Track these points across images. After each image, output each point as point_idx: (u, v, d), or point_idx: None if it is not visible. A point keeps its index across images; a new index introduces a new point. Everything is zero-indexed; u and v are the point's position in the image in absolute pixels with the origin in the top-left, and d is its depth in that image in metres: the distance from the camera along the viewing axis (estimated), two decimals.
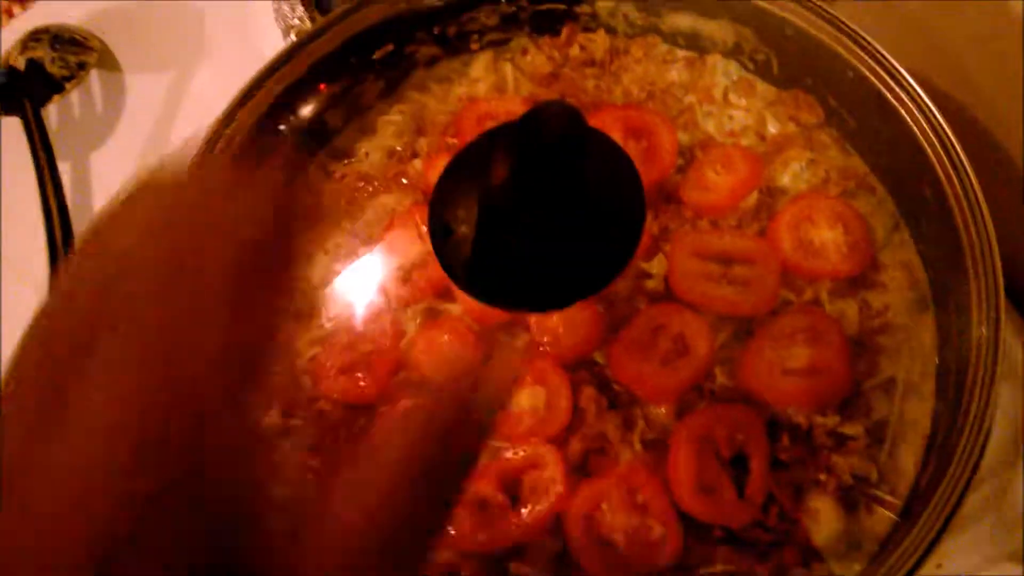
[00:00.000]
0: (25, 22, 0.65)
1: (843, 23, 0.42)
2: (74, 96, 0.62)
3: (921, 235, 0.41)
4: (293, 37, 0.61)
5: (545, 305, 0.34)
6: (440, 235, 0.34)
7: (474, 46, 0.50)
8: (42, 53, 0.59)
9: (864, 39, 0.41)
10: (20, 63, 0.58)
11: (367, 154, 0.48)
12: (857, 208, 0.43)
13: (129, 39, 0.65)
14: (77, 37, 0.61)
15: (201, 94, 0.62)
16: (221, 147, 0.45)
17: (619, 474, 0.37)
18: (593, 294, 0.32)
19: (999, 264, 0.37)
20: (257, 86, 0.46)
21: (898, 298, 0.41)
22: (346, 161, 0.49)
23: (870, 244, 0.42)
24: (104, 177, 0.60)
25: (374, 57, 0.49)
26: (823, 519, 0.36)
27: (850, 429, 0.38)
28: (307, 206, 0.23)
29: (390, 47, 0.49)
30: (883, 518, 0.37)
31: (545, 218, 0.31)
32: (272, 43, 0.62)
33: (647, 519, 0.36)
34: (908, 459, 0.38)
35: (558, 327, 0.40)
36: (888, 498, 0.37)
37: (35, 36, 0.60)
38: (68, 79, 0.59)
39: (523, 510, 0.37)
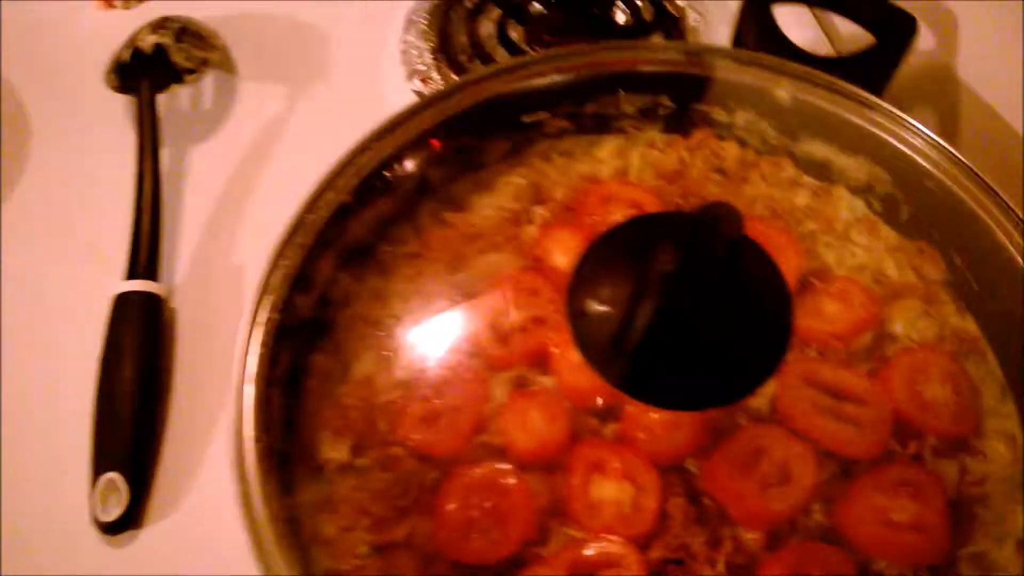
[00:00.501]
0: (154, 10, 0.66)
1: (989, 184, 0.42)
2: (185, 90, 0.63)
3: None
4: (417, 82, 0.62)
5: (684, 405, 0.33)
6: (579, 312, 0.33)
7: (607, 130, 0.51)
8: (169, 41, 0.59)
9: (1007, 204, 0.41)
10: (147, 45, 0.58)
11: (482, 210, 0.48)
12: (968, 371, 0.42)
13: (250, 46, 0.66)
14: (203, 33, 0.62)
15: (312, 115, 0.62)
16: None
17: None
18: (735, 401, 0.31)
19: None
20: (378, 137, 0.46)
21: (998, 470, 0.40)
22: (458, 213, 0.49)
23: (978, 409, 0.41)
24: (197, 175, 0.60)
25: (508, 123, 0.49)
26: None
27: None
28: None
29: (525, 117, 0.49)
30: None
31: (702, 317, 0.31)
32: (394, 82, 0.63)
33: None
34: None
35: (656, 425, 0.39)
36: None
37: (164, 23, 0.60)
38: (189, 72, 0.59)
39: None
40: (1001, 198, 0.41)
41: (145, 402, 0.48)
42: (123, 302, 0.51)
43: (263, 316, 0.40)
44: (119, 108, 0.61)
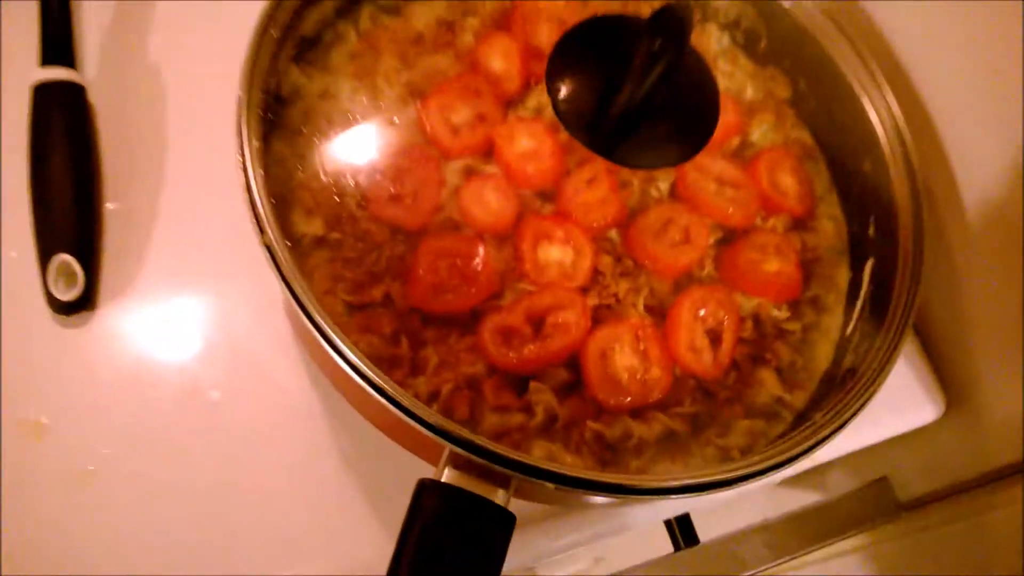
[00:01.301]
0: None
1: (833, 19, 0.53)
2: None
3: (850, 201, 0.54)
4: None
5: (647, 164, 0.42)
6: (561, 90, 0.40)
7: None
8: None
9: (849, 36, 0.53)
10: None
11: (421, 17, 0.52)
12: (806, 168, 0.55)
13: None
14: None
15: None
16: None
17: (631, 325, 0.45)
18: (682, 163, 0.40)
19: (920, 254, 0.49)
20: None
21: (825, 242, 0.53)
22: (396, 18, 0.52)
23: (813, 196, 0.54)
24: None
25: None
26: (765, 387, 0.47)
27: (790, 325, 0.49)
28: None
29: None
30: (800, 397, 0.49)
31: (662, 97, 0.39)
32: None
33: (647, 363, 0.45)
34: (822, 356, 0.50)
35: (587, 203, 0.48)
36: (805, 383, 0.49)
37: None
38: None
39: (548, 340, 0.44)
40: (844, 30, 0.53)
41: (82, 186, 0.49)
42: (43, 88, 0.49)
43: (254, 99, 0.42)
44: None
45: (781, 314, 0.49)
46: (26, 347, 0.47)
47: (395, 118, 0.49)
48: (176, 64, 0.55)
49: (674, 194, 0.50)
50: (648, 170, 0.46)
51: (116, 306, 0.49)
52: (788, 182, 0.53)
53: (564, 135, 0.46)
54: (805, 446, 0.41)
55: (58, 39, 0.50)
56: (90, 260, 0.48)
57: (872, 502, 0.61)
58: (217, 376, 0.49)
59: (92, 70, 0.53)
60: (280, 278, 0.38)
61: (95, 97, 0.53)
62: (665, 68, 0.38)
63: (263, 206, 0.39)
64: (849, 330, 0.49)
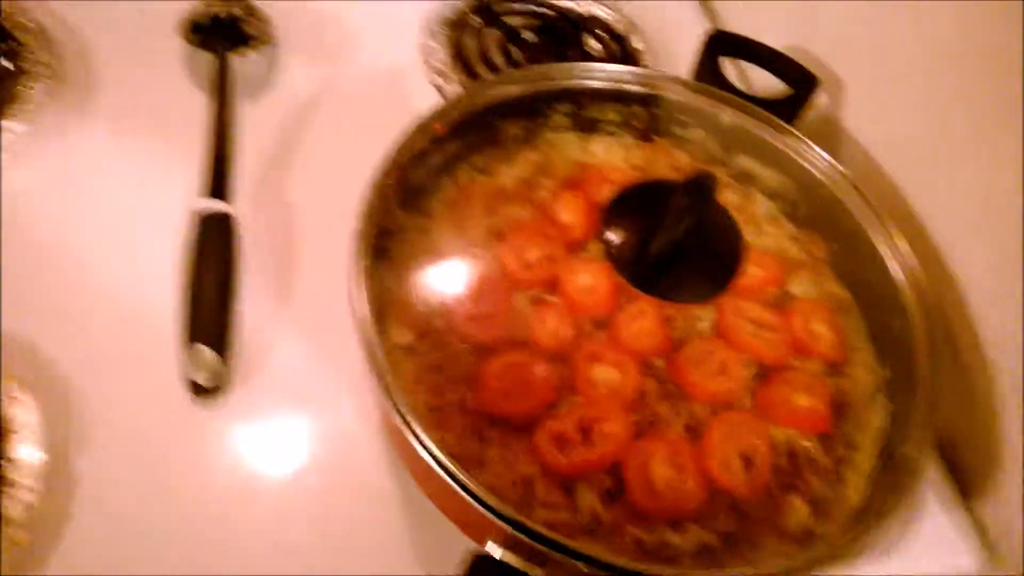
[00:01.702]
0: None
1: (862, 192, 0.61)
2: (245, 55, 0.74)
3: (882, 352, 0.60)
4: (436, 76, 0.76)
5: (679, 299, 0.50)
6: (608, 239, 0.50)
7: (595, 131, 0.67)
8: (241, 13, 0.71)
9: (874, 207, 0.61)
10: (224, 13, 0.70)
11: (507, 176, 0.63)
12: (840, 321, 0.61)
13: (294, 30, 0.78)
14: (260, 11, 0.74)
15: (343, 92, 0.76)
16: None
17: (669, 440, 0.51)
18: (711, 298, 0.48)
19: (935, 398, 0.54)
20: (429, 119, 0.60)
21: (859, 388, 0.58)
22: (486, 176, 0.63)
23: (846, 346, 0.60)
24: (247, 127, 0.71)
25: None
26: (796, 514, 0.52)
27: (821, 458, 0.54)
28: None
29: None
30: (831, 528, 0.52)
31: (694, 243, 0.47)
32: (413, 73, 0.77)
33: (683, 475, 0.51)
34: (854, 492, 0.54)
35: (636, 332, 0.55)
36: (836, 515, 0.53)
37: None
38: (255, 40, 0.71)
39: (594, 447, 0.51)
40: (869, 203, 0.61)
41: (225, 295, 0.60)
42: (206, 217, 0.62)
43: (365, 230, 0.53)
44: (179, 59, 0.72)
45: (811, 446, 0.54)
46: (166, 419, 0.57)
47: (478, 253, 0.59)
48: (308, 201, 0.67)
49: (715, 331, 0.57)
50: (680, 304, 0.54)
51: (243, 392, 0.59)
52: (821, 330, 0.59)
53: (618, 276, 0.55)
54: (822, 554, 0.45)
55: (219, 179, 0.63)
56: (225, 354, 0.58)
57: None
58: (315, 463, 0.57)
59: (242, 203, 0.66)
60: (374, 373, 0.47)
61: (243, 224, 0.65)
62: (693, 221, 0.47)
63: (366, 315, 0.49)
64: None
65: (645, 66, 0.82)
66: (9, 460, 0.52)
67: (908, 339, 0.56)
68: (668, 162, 0.67)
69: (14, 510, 0.51)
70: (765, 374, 0.56)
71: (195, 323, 0.57)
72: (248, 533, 0.55)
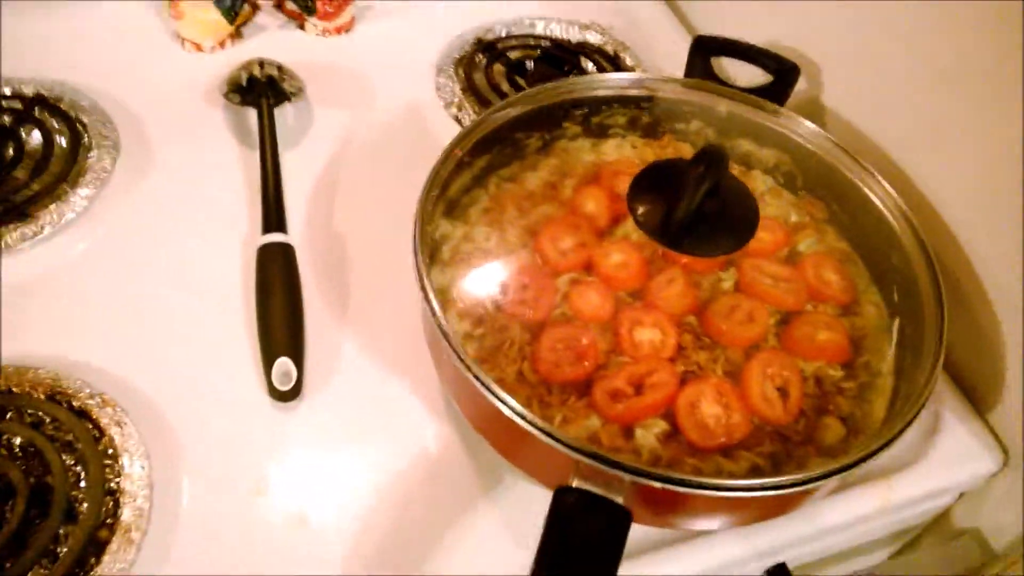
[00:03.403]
0: (236, 52, 0.86)
1: (852, 155, 0.69)
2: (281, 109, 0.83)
3: (885, 292, 0.66)
4: (453, 110, 0.84)
5: (707, 254, 0.57)
6: (639, 209, 0.57)
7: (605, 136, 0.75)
8: (275, 73, 0.79)
9: (865, 167, 0.68)
10: (261, 74, 0.79)
11: (532, 181, 0.70)
12: (847, 268, 0.68)
13: (318, 83, 0.87)
14: (291, 71, 0.82)
15: (371, 132, 0.84)
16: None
17: (712, 383, 0.58)
18: (732, 252, 0.56)
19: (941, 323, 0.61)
20: (461, 139, 0.68)
21: (871, 323, 0.65)
22: (514, 183, 0.71)
23: (855, 289, 0.66)
24: (289, 172, 0.79)
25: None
26: (832, 430, 0.58)
27: (846, 383, 0.60)
28: None
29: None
30: (864, 442, 0.58)
31: (713, 207, 0.55)
32: (432, 109, 0.85)
33: (729, 411, 0.57)
34: (879, 409, 0.60)
35: (669, 296, 0.62)
36: (866, 430, 0.59)
37: (264, 62, 0.81)
38: (294, 94, 0.80)
39: (647, 396, 0.57)
40: (860, 163, 0.68)
41: (293, 313, 0.67)
42: (267, 248, 0.69)
43: (423, 240, 0.60)
44: (218, 120, 0.81)
45: (837, 374, 0.60)
46: (250, 425, 0.63)
47: (518, 249, 0.66)
48: (354, 229, 0.75)
49: (738, 288, 0.63)
50: (709, 258, 0.61)
51: (316, 398, 0.65)
52: (831, 277, 0.66)
53: (646, 251, 0.62)
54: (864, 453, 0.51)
55: (275, 214, 0.71)
56: (300, 364, 0.65)
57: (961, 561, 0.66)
58: (391, 450, 0.64)
59: (297, 234, 0.73)
60: (442, 335, 0.54)
61: (300, 253, 0.72)
62: (711, 184, 0.54)
63: (431, 291, 0.56)
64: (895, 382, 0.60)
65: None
66: (122, 474, 0.59)
67: (909, 272, 0.63)
68: (675, 154, 0.75)
69: (129, 516, 0.57)
70: (787, 319, 0.63)
71: (272, 339, 0.65)
72: (329, 531, 0.61)
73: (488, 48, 0.92)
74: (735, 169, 0.74)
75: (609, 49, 0.94)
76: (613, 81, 0.75)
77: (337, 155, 0.81)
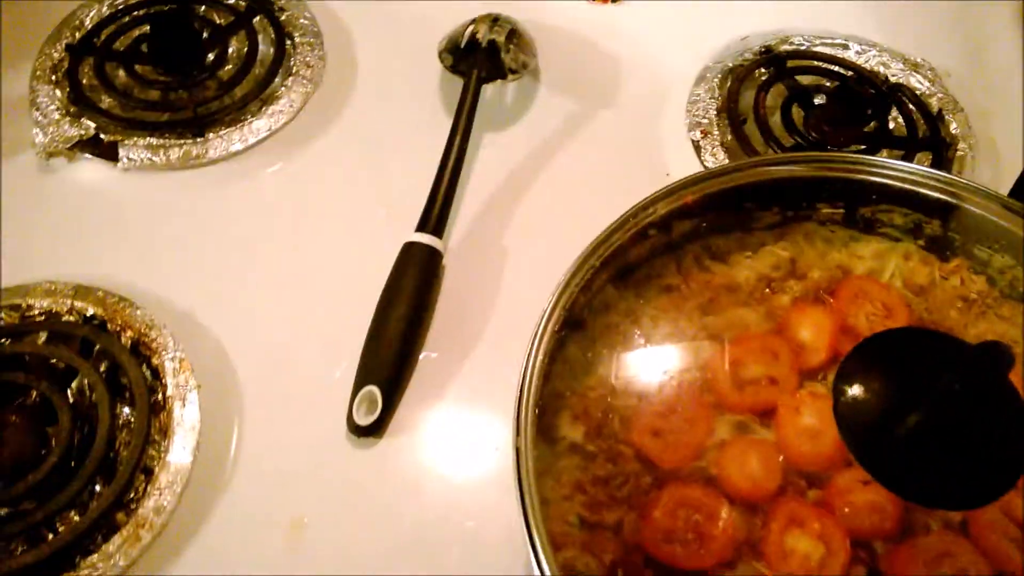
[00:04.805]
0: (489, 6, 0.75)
1: None
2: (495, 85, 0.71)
3: None
4: (697, 134, 0.68)
5: (924, 501, 0.39)
6: (843, 392, 0.39)
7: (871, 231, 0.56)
8: (500, 40, 0.68)
9: None
10: (483, 39, 0.67)
11: (744, 269, 0.54)
12: None
13: (557, 62, 0.74)
14: (526, 39, 0.70)
15: (594, 137, 0.70)
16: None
17: None
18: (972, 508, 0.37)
19: None
20: (664, 196, 0.53)
21: None
22: (719, 264, 0.55)
23: None
24: (485, 161, 0.69)
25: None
26: None
27: None
28: None
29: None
30: None
31: (959, 432, 0.36)
32: (674, 127, 0.70)
33: None
34: None
35: (859, 503, 0.44)
36: None
37: (497, 21, 0.69)
38: (512, 71, 0.68)
39: None
40: None
41: (412, 332, 0.57)
42: (410, 250, 0.60)
43: (560, 302, 0.47)
44: (433, 81, 0.71)
45: None
46: (320, 453, 0.55)
47: (686, 355, 0.50)
48: (521, 252, 0.63)
49: (963, 528, 0.44)
50: (925, 508, 0.42)
51: (399, 439, 0.56)
52: None
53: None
54: None
55: (438, 216, 0.61)
56: (392, 396, 0.55)
57: None
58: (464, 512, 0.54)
59: (454, 238, 0.63)
60: (516, 481, 0.41)
61: (449, 262, 0.62)
62: (965, 412, 0.35)
63: (526, 411, 0.43)
64: None
65: (954, 157, 0.67)
66: (161, 459, 0.53)
67: None
68: (957, 291, 0.54)
69: (148, 509, 0.52)
70: None
71: (372, 362, 0.55)
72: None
73: (774, 62, 0.73)
74: None
75: (933, 105, 0.71)
76: (909, 173, 0.54)
77: (540, 153, 0.68)
